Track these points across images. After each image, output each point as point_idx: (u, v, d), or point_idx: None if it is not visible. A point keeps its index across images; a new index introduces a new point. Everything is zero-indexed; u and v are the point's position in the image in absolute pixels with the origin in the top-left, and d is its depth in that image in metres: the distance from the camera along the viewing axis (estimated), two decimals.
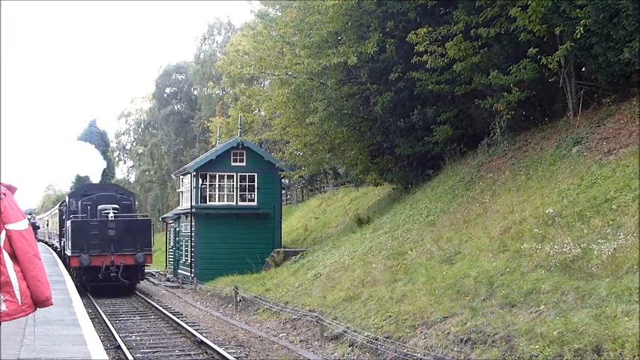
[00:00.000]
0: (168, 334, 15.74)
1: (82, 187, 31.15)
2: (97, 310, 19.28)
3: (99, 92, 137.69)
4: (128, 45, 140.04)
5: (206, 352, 13.17)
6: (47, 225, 45.29)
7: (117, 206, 23.74)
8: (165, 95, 66.51)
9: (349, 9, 18.94)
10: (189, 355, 13.24)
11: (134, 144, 75.93)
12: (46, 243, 43.48)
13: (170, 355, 13.23)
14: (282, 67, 24.31)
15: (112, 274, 22.44)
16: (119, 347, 13.46)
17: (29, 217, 19.16)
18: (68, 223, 24.54)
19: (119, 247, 22.63)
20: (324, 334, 13.47)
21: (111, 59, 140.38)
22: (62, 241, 28.98)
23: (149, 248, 23.58)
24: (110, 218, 22.82)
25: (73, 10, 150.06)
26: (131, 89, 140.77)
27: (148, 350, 13.60)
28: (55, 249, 36.05)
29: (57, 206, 37.66)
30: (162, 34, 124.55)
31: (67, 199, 27.87)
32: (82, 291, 19.56)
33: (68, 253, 23.85)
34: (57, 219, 34.56)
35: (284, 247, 26.08)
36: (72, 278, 18.68)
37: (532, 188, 13.92)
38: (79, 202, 24.85)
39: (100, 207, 23.61)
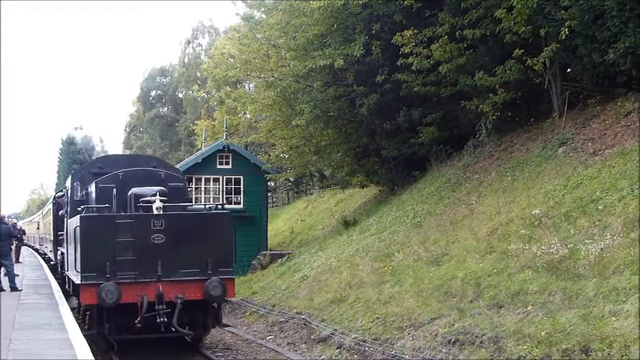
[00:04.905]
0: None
1: (93, 162, 17.63)
2: None
3: (85, 96, 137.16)
4: (115, 48, 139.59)
5: (193, 357, 12.95)
6: (38, 228, 38.28)
7: (164, 189, 12.59)
8: (150, 98, 66.40)
9: (335, 11, 18.93)
10: (177, 357, 12.90)
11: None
12: (37, 251, 37.79)
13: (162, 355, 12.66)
14: (267, 69, 24.20)
15: (160, 319, 11.47)
16: None
17: (12, 221, 18.79)
18: (73, 221, 13.29)
19: (174, 268, 11.88)
20: (312, 337, 13.42)
21: (97, 63, 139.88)
22: (59, 253, 18.41)
23: (230, 269, 12.55)
24: (155, 212, 11.88)
25: (61, 14, 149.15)
26: (118, 92, 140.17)
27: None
28: (47, 261, 26.69)
29: (51, 200, 27.86)
30: (148, 38, 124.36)
31: (68, 183, 16.20)
32: (101, 350, 11.80)
33: (74, 277, 12.83)
34: (51, 218, 23.85)
35: (270, 250, 25.97)
36: (81, 324, 11.26)
37: (518, 189, 13.93)
38: (92, 186, 13.66)
39: (133, 191, 12.55)
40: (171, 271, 11.83)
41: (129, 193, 12.58)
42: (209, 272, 11.99)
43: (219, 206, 13.52)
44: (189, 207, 14.50)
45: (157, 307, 11.48)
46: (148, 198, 12.16)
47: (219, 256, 12.32)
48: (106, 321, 11.69)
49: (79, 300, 11.96)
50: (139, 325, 11.43)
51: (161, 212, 11.89)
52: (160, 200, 12.00)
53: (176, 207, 12.72)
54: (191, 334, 12.18)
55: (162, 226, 11.80)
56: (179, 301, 11.62)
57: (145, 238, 11.68)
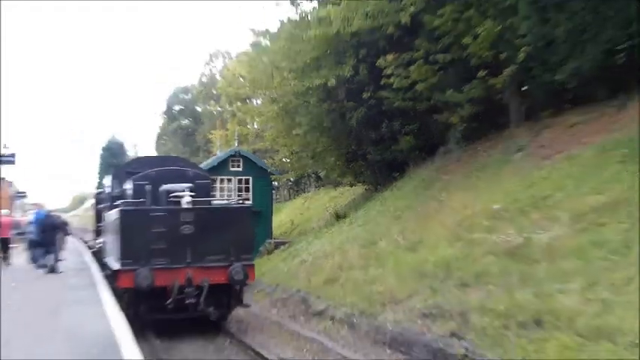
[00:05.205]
0: None
1: (129, 162, 18.99)
2: None
3: (121, 109, 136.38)
4: (145, 69, 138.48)
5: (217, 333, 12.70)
6: (81, 221, 38.46)
7: (192, 186, 12.40)
8: (173, 112, 66.19)
9: (329, 39, 18.92)
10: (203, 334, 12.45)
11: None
12: (80, 239, 37.69)
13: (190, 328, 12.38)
14: (272, 87, 24.20)
15: (188, 301, 11.33)
16: None
17: (57, 215, 18.72)
18: (112, 214, 13.12)
19: (201, 255, 11.66)
20: (309, 311, 13.44)
21: (131, 82, 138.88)
22: (99, 242, 18.30)
23: (250, 256, 12.40)
24: (185, 206, 11.75)
25: (102, 35, 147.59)
26: (150, 106, 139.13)
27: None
28: (88, 248, 26.90)
29: (92, 196, 28.15)
30: (173, 60, 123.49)
31: (106, 181, 16.17)
32: (137, 327, 9.68)
33: (113, 264, 12.36)
34: (92, 211, 24.00)
35: (275, 239, 25.97)
36: (119, 303, 10.80)
37: (481, 188, 13.96)
38: (128, 183, 13.23)
39: (165, 187, 12.37)
40: (198, 258, 11.56)
41: (161, 189, 12.34)
42: (232, 259, 11.75)
43: (241, 201, 13.18)
44: (213, 201, 14.26)
45: (186, 290, 11.26)
46: (178, 193, 11.98)
47: (241, 244, 12.04)
48: (141, 302, 11.45)
49: (117, 284, 11.68)
50: (170, 306, 11.21)
51: (190, 206, 11.69)
52: (189, 195, 11.82)
53: (203, 201, 12.42)
54: (217, 313, 11.86)
55: (190, 218, 11.57)
56: (206, 284, 11.38)
57: (175, 228, 11.45)
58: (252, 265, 12.15)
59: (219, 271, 11.59)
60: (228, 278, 11.60)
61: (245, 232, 12.29)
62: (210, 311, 11.52)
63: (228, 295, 12.22)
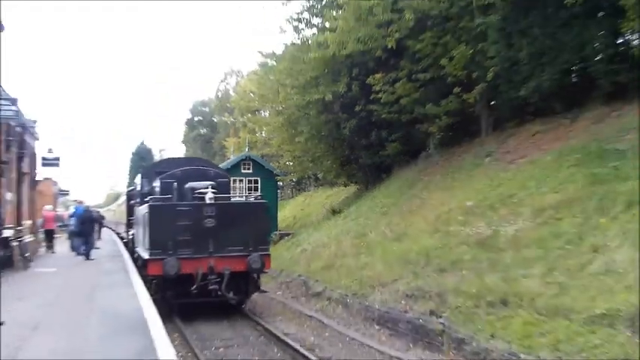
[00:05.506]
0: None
1: (157, 163, 18.73)
2: None
3: (149, 118, 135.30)
4: (171, 83, 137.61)
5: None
6: (115, 215, 37.78)
7: (214, 183, 12.03)
8: (194, 122, 66.22)
9: (326, 60, 18.89)
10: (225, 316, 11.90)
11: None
12: (114, 231, 36.65)
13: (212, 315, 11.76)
14: (277, 101, 24.20)
15: (211, 287, 10.95)
16: None
17: (95, 210, 18.75)
18: (142, 209, 12.61)
19: (222, 246, 11.16)
20: (309, 292, 13.46)
21: (158, 94, 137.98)
22: (130, 233, 17.88)
23: (266, 247, 11.93)
24: (208, 201, 11.31)
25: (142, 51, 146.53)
26: (173, 116, 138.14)
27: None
28: (121, 239, 26.35)
29: (124, 193, 27.12)
30: (195, 76, 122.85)
31: (137, 180, 15.47)
32: (165, 312, 10.02)
33: (143, 253, 11.94)
34: (124, 206, 23.40)
35: (279, 231, 25.90)
36: (149, 289, 10.36)
37: (456, 187, 13.98)
38: (157, 181, 12.86)
39: (190, 185, 11.93)
40: (220, 249, 11.11)
41: (186, 187, 11.91)
42: (250, 249, 11.29)
43: (259, 197, 12.84)
44: (232, 197, 13.39)
45: (208, 277, 10.89)
46: (202, 190, 11.56)
47: (258, 236, 11.59)
48: (168, 288, 11.08)
49: (147, 272, 11.22)
50: (194, 292, 10.85)
51: (212, 202, 11.29)
52: (211, 192, 11.42)
53: (223, 197, 12.01)
54: (236, 298, 11.47)
55: (213, 212, 11.13)
56: (227, 272, 10.98)
57: (199, 222, 11.02)
58: (269, 255, 11.69)
59: (238, 260, 11.19)
60: (246, 267, 11.19)
61: (262, 225, 11.81)
62: (230, 296, 11.15)
63: (247, 281, 11.74)
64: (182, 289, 10.89)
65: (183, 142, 70.29)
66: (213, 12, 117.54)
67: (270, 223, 13.45)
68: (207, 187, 11.48)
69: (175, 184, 11.96)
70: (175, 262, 10.63)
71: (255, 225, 11.49)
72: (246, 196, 16.57)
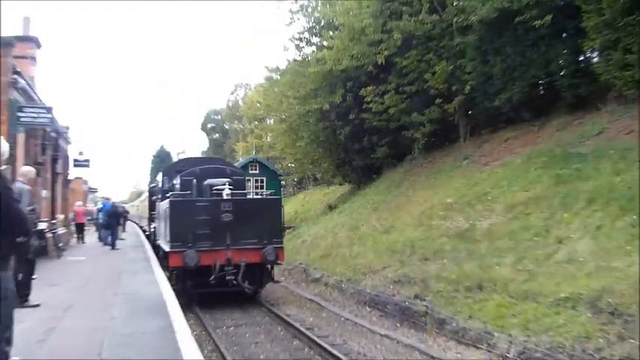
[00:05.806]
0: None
1: (177, 162, 17.62)
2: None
3: (168, 124, 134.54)
4: (184, 94, 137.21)
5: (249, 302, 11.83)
6: (138, 210, 37.86)
7: (230, 180, 11.21)
8: (207, 128, 66.20)
9: (324, 74, 18.93)
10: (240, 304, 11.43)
11: None
12: (137, 224, 35.53)
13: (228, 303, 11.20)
14: (281, 110, 24.21)
15: (228, 277, 10.37)
16: None
17: (111, 202, 18.64)
18: (163, 204, 12.14)
19: (239, 239, 10.55)
20: (309, 278, 13.46)
21: (175, 103, 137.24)
22: (152, 227, 16.95)
23: (280, 240, 11.16)
24: (225, 197, 10.66)
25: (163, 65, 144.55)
26: (189, 122, 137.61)
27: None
28: (143, 232, 25.64)
29: (146, 190, 26.09)
30: (209, 87, 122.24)
31: (158, 178, 14.96)
32: (185, 301, 9.42)
33: (164, 246, 11.49)
34: (147, 202, 22.35)
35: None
36: (169, 280, 9.73)
37: (438, 186, 14.02)
38: (177, 179, 12.15)
39: (208, 182, 11.35)
40: (236, 242, 10.50)
41: (205, 183, 11.33)
42: (265, 242, 10.65)
43: (272, 193, 12.03)
44: (247, 193, 13.01)
45: (226, 268, 10.31)
46: (219, 187, 10.94)
47: (272, 230, 10.89)
48: (188, 279, 10.55)
49: (167, 263, 10.72)
50: (212, 282, 10.28)
51: (229, 197, 10.68)
52: (228, 188, 10.80)
53: (239, 193, 11.41)
54: (251, 288, 10.82)
55: (230, 207, 10.54)
56: (243, 264, 10.37)
57: (217, 216, 10.43)
58: (282, 248, 11.04)
59: (254, 253, 10.58)
60: (261, 258, 10.60)
61: (275, 219, 11.00)
62: (245, 286, 10.54)
63: (261, 272, 11.17)
64: (201, 279, 10.38)
65: (198, 145, 70.08)
66: (213, 12, 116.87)
67: (282, 218, 11.68)
68: (224, 184, 10.93)
69: (194, 181, 11.46)
70: (195, 254, 10.14)
71: (269, 219, 10.87)
72: (260, 193, 15.87)
